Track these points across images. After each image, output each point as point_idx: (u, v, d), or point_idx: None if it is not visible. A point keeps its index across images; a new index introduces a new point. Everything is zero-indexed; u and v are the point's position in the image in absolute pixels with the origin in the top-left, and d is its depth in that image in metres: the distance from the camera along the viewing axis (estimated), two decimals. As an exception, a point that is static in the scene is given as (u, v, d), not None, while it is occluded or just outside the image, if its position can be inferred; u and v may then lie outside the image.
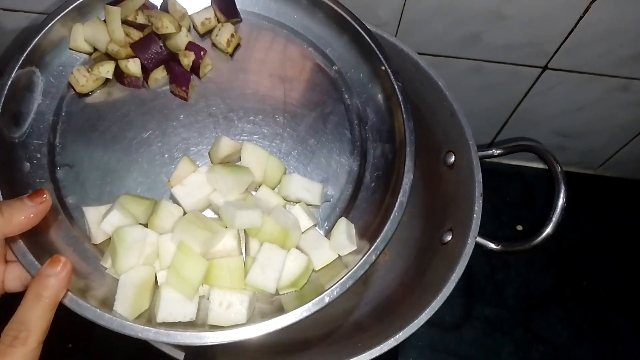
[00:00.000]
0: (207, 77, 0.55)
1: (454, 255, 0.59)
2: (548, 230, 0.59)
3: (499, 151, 0.64)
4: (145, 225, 0.46)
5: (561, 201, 0.57)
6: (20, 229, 0.41)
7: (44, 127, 0.50)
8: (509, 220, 0.94)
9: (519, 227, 0.94)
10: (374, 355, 0.55)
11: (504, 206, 0.96)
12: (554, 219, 0.57)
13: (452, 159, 0.66)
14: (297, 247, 0.47)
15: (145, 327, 0.41)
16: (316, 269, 0.47)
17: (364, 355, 0.55)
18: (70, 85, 0.52)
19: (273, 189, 0.50)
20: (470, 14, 0.67)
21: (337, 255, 0.48)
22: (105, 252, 0.46)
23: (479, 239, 0.60)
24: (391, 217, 0.46)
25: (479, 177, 0.62)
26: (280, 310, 0.43)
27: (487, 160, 0.65)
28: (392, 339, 0.55)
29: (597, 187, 0.98)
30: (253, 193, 0.50)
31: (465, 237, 0.60)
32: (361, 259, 0.44)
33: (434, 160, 0.69)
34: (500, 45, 0.73)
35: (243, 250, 0.48)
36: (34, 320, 0.38)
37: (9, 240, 0.42)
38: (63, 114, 0.51)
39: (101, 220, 0.45)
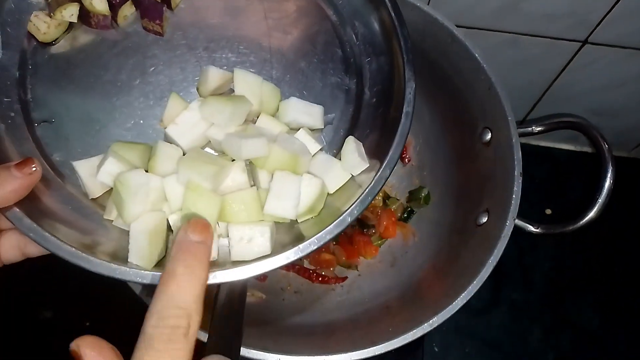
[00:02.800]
0: (179, 7, 0.50)
1: (491, 237, 0.56)
2: (592, 213, 0.56)
3: (539, 128, 0.60)
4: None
5: (608, 182, 0.54)
6: (8, 202, 0.37)
7: (11, 83, 0.45)
8: (538, 203, 0.91)
9: (548, 211, 0.91)
10: (406, 341, 0.53)
11: (533, 189, 0.92)
12: (600, 201, 0.54)
13: (489, 135, 0.63)
14: (308, 172, 0.45)
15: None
16: (331, 192, 0.45)
17: (396, 340, 0.53)
18: (30, 35, 0.47)
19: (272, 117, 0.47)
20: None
21: (350, 176, 0.45)
22: (108, 204, 0.43)
23: (518, 221, 0.56)
24: (399, 129, 0.43)
25: (518, 155, 0.58)
26: (300, 239, 0.40)
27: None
28: (427, 324, 0.53)
29: (631, 169, 0.94)
30: (252, 125, 0.47)
31: (503, 219, 0.56)
32: (376, 174, 0.42)
33: (468, 137, 0.66)
34: (540, 16, 0.68)
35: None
36: (193, 302, 0.31)
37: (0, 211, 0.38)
38: (29, 66, 0.46)
39: (96, 173, 0.42)
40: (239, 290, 0.47)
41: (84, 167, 0.43)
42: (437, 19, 0.63)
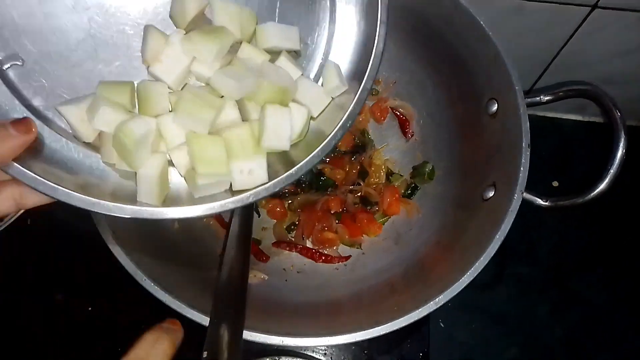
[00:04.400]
0: None
1: (499, 211, 0.55)
2: (603, 185, 0.54)
3: (547, 97, 0.58)
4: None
5: (620, 152, 0.52)
6: (6, 160, 0.37)
7: None
8: (544, 175, 0.89)
9: (555, 183, 0.88)
10: (412, 320, 0.52)
11: (539, 161, 0.89)
12: (612, 172, 0.52)
13: (495, 107, 0.60)
14: (293, 100, 0.46)
15: (184, 207, 0.40)
16: (314, 117, 0.46)
17: (401, 319, 0.51)
18: None
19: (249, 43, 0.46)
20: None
21: (331, 99, 0.46)
22: (105, 148, 0.43)
23: (526, 195, 0.55)
24: (374, 46, 0.42)
25: (526, 126, 0.56)
26: (291, 164, 0.42)
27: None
28: (432, 302, 0.51)
29: (640, 138, 0.92)
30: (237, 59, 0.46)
31: (510, 193, 0.55)
32: (355, 97, 0.42)
33: (473, 110, 0.64)
34: (547, -20, 0.65)
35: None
36: None
37: None
38: None
39: (87, 117, 0.42)
40: (240, 269, 0.47)
41: (71, 112, 0.42)
42: (439, -15, 0.60)
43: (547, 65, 0.82)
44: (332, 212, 0.70)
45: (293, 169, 0.42)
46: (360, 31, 0.46)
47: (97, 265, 0.72)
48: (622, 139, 0.51)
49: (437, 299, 0.51)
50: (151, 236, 0.61)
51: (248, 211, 0.55)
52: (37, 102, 0.43)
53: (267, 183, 0.42)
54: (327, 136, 0.42)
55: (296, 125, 0.45)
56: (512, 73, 0.58)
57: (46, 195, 0.38)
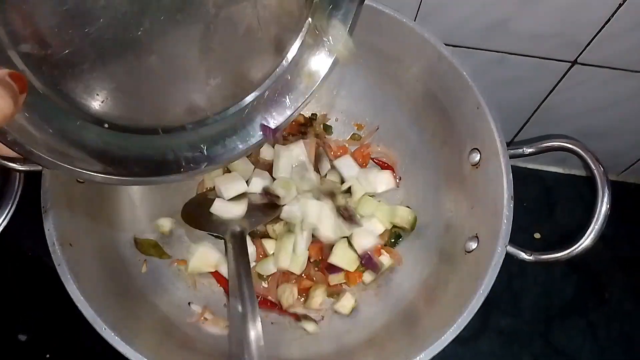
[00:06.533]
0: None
1: (481, 265, 0.53)
2: (587, 241, 0.53)
3: (530, 150, 0.57)
4: None
5: (604, 208, 0.51)
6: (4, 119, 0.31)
7: None
8: (526, 227, 0.88)
9: (537, 235, 0.88)
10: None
11: (521, 212, 0.89)
12: (597, 228, 0.51)
13: (478, 157, 0.60)
14: None
15: None
16: None
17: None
18: None
19: None
20: (498, -3, 0.61)
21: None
22: None
23: (509, 248, 0.53)
24: None
25: (509, 177, 0.56)
26: None
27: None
28: (414, 360, 0.49)
29: (620, 192, 0.92)
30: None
31: (493, 246, 0.53)
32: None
33: (456, 158, 0.63)
34: (528, 35, 0.67)
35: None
36: None
37: None
38: None
39: None
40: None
41: None
42: (423, 35, 0.61)
43: (529, 117, 0.82)
44: (310, 260, 0.67)
45: None
46: None
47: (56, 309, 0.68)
48: (606, 195, 0.51)
49: (418, 358, 0.49)
50: (116, 280, 0.58)
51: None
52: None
53: None
54: None
55: None
56: (494, 124, 0.58)
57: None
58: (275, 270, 0.65)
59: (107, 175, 0.41)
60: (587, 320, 0.83)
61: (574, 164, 0.92)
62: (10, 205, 0.69)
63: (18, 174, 0.71)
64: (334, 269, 0.66)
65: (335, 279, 0.66)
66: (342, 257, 0.65)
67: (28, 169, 0.54)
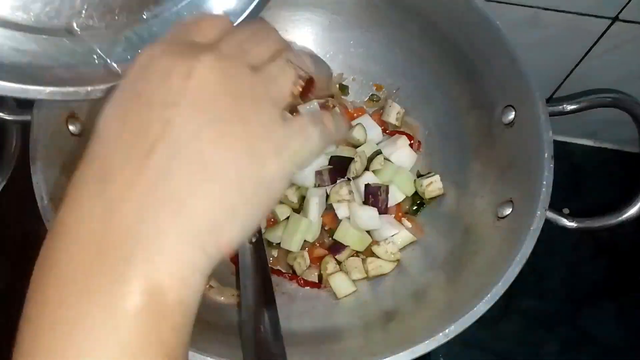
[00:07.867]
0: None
1: (517, 231, 0.48)
2: (634, 210, 0.47)
3: (571, 107, 0.52)
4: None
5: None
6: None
7: None
8: (554, 202, 0.82)
9: (566, 211, 0.82)
10: (415, 355, 0.44)
11: (548, 186, 0.84)
12: (645, 194, 0.45)
13: (512, 115, 0.54)
14: None
15: None
16: None
17: (402, 354, 0.43)
18: None
19: None
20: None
21: None
22: None
23: (549, 213, 0.48)
24: None
25: (548, 135, 0.50)
26: None
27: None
28: (442, 334, 0.44)
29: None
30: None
31: (531, 210, 0.48)
32: None
33: (486, 118, 0.57)
34: (566, -13, 0.61)
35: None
36: None
37: None
38: None
39: None
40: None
41: None
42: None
43: (559, 84, 0.76)
44: (326, 228, 0.62)
45: None
46: None
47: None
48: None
49: (447, 330, 0.44)
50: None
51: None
52: None
53: None
54: None
55: None
56: (531, 78, 0.52)
57: None
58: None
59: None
60: (618, 305, 0.77)
61: (605, 136, 0.86)
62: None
63: (15, 132, 0.68)
64: (337, 247, 0.60)
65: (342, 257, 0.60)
66: (345, 234, 0.59)
67: (15, 118, 0.49)
